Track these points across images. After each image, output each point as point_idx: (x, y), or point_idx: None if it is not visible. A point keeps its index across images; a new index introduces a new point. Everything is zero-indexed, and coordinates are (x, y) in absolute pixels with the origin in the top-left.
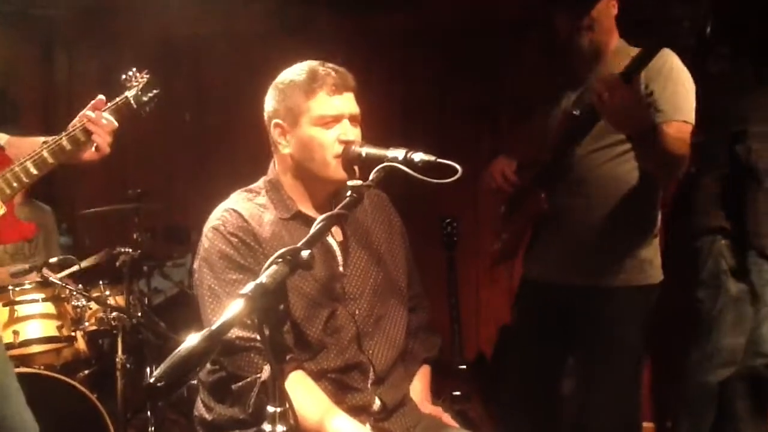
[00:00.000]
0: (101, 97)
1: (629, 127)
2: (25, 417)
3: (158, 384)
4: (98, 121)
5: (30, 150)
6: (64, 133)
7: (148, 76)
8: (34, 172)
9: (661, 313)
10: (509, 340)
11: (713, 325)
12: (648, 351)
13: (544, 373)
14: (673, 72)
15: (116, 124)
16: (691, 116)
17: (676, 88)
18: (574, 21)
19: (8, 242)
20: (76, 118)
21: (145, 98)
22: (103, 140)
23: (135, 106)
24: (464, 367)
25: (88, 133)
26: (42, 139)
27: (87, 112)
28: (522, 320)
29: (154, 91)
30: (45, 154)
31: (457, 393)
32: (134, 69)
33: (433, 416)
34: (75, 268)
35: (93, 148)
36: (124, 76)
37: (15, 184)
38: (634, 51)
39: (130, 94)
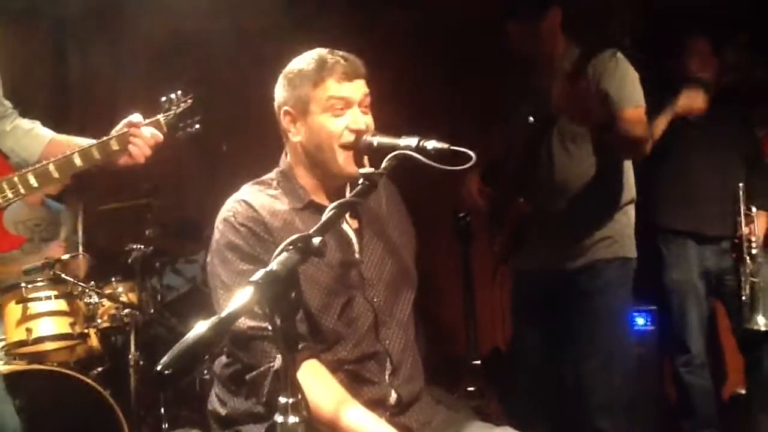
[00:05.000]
0: (137, 116)
1: (587, 120)
2: (4, 410)
3: (165, 372)
4: (138, 132)
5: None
6: (77, 148)
7: (191, 101)
8: (34, 184)
9: None
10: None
11: None
12: None
13: (545, 357)
14: (618, 67)
15: (160, 137)
16: (641, 100)
17: (623, 79)
18: (523, 33)
19: None
20: (118, 127)
21: (181, 124)
22: (139, 150)
23: (166, 129)
24: (479, 362)
25: (104, 151)
26: (88, 141)
27: (126, 121)
28: (518, 311)
29: (195, 119)
30: (50, 168)
31: (472, 388)
32: (179, 92)
33: (449, 411)
34: (87, 264)
35: (127, 156)
36: (164, 98)
37: (9, 195)
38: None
39: (162, 117)
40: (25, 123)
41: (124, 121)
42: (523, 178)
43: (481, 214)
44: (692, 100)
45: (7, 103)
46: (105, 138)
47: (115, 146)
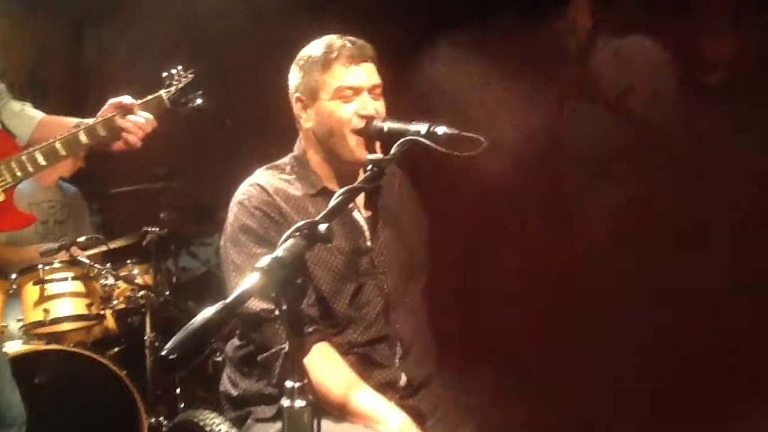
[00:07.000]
0: (128, 98)
1: None
2: (12, 399)
3: (170, 356)
4: (132, 119)
5: (62, 132)
6: (83, 126)
7: (192, 76)
8: (42, 162)
9: None
10: None
11: None
12: None
13: None
14: None
15: (155, 122)
16: None
17: None
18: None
19: (4, 230)
20: (105, 107)
21: (183, 99)
22: (134, 139)
23: (169, 105)
24: None
25: (109, 128)
26: (76, 120)
27: (115, 102)
28: None
29: (197, 93)
30: (57, 145)
31: None
32: (179, 67)
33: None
34: (102, 248)
35: (122, 142)
36: (165, 74)
37: (18, 173)
38: None
39: (165, 92)
40: (15, 104)
41: (113, 101)
42: None
43: None
44: None
45: (1, 86)
46: (110, 115)
47: (119, 123)
